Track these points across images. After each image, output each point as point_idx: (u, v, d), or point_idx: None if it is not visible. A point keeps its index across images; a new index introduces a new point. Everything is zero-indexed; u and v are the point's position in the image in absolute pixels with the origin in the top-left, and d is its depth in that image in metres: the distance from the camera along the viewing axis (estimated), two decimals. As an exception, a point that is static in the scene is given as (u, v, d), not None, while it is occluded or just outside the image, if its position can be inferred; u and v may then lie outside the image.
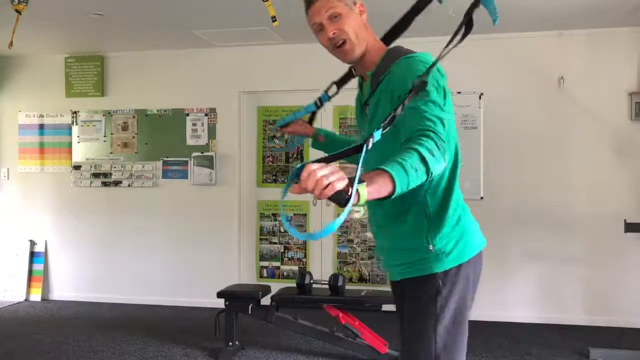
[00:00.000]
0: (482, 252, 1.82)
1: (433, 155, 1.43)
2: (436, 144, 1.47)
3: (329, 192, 1.20)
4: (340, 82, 2.04)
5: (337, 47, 1.77)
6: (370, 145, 1.42)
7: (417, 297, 1.77)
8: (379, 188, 1.32)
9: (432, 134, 1.49)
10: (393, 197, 1.35)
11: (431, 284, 1.72)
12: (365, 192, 1.27)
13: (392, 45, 1.86)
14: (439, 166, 1.45)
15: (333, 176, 1.20)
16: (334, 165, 1.27)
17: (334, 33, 1.75)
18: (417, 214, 1.74)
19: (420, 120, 1.54)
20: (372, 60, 1.79)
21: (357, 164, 1.33)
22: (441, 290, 1.71)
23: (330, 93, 2.06)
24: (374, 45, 1.80)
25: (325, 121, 5.53)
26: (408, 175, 1.36)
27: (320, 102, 2.09)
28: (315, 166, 1.22)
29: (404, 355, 1.80)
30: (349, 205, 1.22)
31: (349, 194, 1.22)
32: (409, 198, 1.70)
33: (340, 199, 1.22)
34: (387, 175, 1.33)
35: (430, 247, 1.72)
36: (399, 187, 1.34)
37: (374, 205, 1.82)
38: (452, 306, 1.72)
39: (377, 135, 1.44)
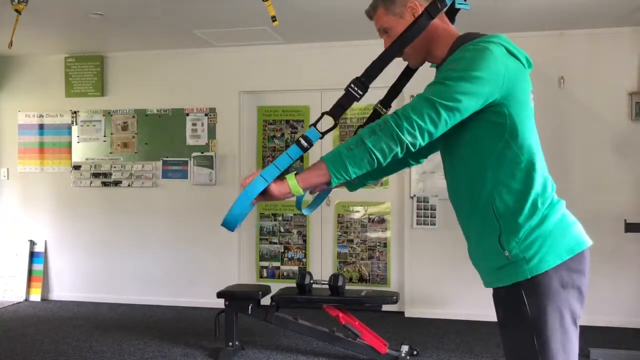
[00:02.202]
0: (586, 253, 1.64)
1: (375, 133, 1.46)
2: (385, 123, 1.46)
3: (243, 186, 1.53)
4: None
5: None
6: (304, 143, 1.56)
7: (505, 310, 1.63)
8: (309, 172, 1.51)
9: (391, 115, 1.49)
10: (336, 180, 1.49)
11: (515, 295, 1.57)
12: (294, 179, 1.51)
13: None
14: (384, 143, 1.46)
15: (249, 177, 1.54)
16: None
17: None
18: (485, 214, 1.61)
19: (424, 93, 1.52)
20: (441, 53, 1.68)
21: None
22: (526, 302, 1.54)
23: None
24: (440, 37, 1.68)
25: (325, 121, 5.52)
26: (341, 155, 1.48)
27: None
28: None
29: None
30: (254, 187, 1.52)
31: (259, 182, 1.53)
32: (476, 196, 1.62)
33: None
34: (321, 160, 1.50)
35: (506, 252, 1.57)
36: (332, 168, 1.48)
37: (457, 207, 1.74)
38: (546, 319, 1.53)
39: (311, 133, 1.57)
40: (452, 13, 1.75)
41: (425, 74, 1.82)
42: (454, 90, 1.48)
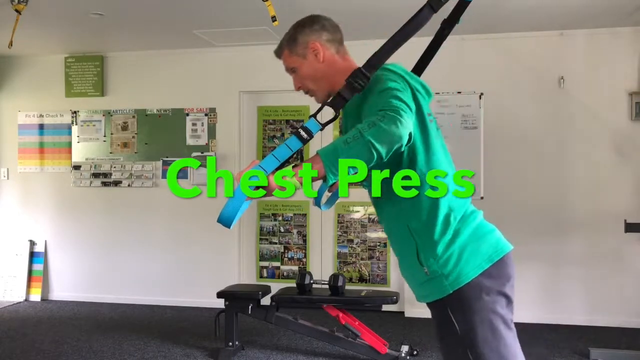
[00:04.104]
0: (506, 259, 1.61)
1: (375, 125, 1.41)
2: (384, 115, 1.43)
3: (239, 177, 1.42)
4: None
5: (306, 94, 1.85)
6: (303, 134, 1.50)
7: (437, 326, 1.65)
8: (307, 165, 1.43)
9: (381, 110, 1.46)
10: (332, 175, 1.41)
11: (442, 311, 1.60)
12: (289, 171, 1.43)
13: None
14: (386, 135, 1.40)
15: (246, 168, 1.45)
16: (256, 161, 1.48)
17: (298, 87, 1.86)
18: (402, 232, 1.64)
19: (380, 101, 1.51)
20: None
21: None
22: (453, 318, 1.57)
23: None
24: (342, 72, 1.69)
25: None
26: (337, 150, 1.41)
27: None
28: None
29: None
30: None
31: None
32: (393, 215, 1.66)
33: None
34: (317, 154, 1.45)
35: (425, 269, 1.59)
36: (328, 163, 1.41)
37: (382, 218, 1.77)
38: (476, 331, 1.55)
39: (311, 124, 1.52)
40: (458, 12, 1.77)
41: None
42: (400, 95, 1.50)
